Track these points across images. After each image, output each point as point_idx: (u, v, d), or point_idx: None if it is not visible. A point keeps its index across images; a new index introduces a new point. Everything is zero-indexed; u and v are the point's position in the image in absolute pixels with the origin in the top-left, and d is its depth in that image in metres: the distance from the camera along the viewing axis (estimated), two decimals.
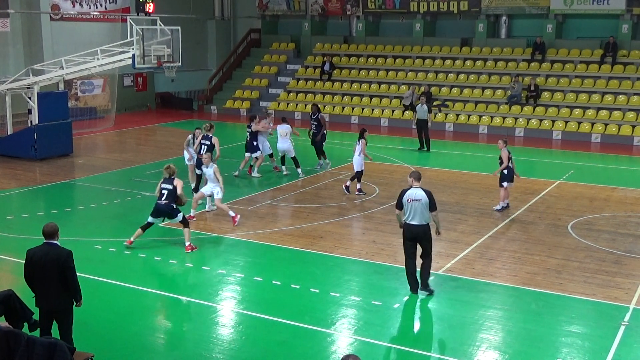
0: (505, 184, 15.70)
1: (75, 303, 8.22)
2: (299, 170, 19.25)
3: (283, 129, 19.31)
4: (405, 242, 10.87)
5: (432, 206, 10.65)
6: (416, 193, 10.63)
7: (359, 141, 17.15)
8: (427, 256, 10.93)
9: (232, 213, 14.63)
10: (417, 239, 10.78)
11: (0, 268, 12.35)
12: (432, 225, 10.89)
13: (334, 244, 13.53)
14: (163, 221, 13.65)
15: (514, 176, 15.94)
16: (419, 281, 10.98)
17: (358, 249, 13.27)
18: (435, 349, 9.30)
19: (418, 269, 11.03)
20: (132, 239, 13.09)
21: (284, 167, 19.57)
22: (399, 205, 10.81)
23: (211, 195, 14.98)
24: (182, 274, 12.22)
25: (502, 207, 15.80)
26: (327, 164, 20.40)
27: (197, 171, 16.67)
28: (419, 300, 10.89)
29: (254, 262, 12.67)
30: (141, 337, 9.63)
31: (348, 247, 13.32)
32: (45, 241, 8.08)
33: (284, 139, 19.27)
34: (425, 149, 23.57)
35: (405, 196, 10.67)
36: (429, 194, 10.67)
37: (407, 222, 10.72)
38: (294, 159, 19.35)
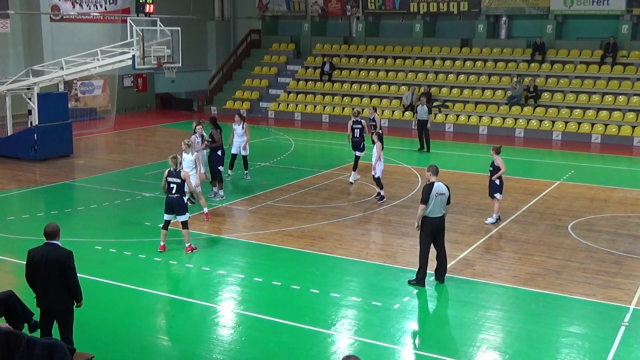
0: (498, 195, 14.80)
1: (75, 303, 8.23)
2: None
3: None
4: (426, 236, 11.18)
5: (449, 199, 11.28)
6: (440, 187, 11.07)
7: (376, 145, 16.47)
8: (444, 250, 11.36)
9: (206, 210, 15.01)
10: (438, 230, 11.19)
11: (0, 269, 12.35)
12: None
13: (334, 244, 13.53)
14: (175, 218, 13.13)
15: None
16: (436, 275, 11.46)
17: (358, 249, 13.27)
18: (435, 349, 9.29)
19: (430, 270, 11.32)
20: (162, 243, 12.99)
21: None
22: (426, 200, 10.96)
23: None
24: (182, 274, 12.22)
25: (496, 219, 14.91)
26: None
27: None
28: (418, 300, 10.90)
29: (254, 263, 12.67)
30: (141, 337, 9.62)
31: (348, 248, 13.32)
32: (46, 241, 8.08)
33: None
34: (425, 149, 23.58)
35: (433, 191, 10.96)
36: (449, 188, 11.25)
37: (430, 216, 11.04)
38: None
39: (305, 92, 32.68)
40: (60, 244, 8.10)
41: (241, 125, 18.58)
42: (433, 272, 11.49)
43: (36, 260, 8.00)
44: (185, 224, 12.85)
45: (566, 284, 11.49)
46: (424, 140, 23.62)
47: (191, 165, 14.47)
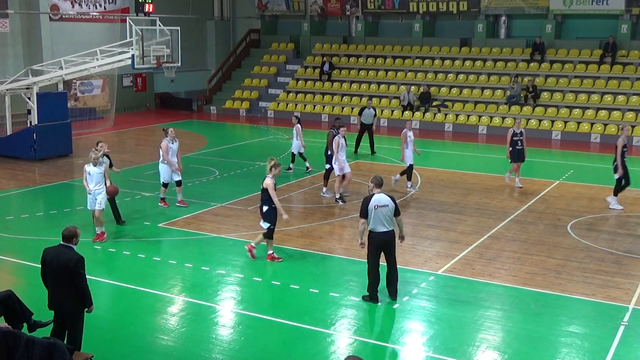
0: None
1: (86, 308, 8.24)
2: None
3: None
4: (372, 254, 10.53)
5: (397, 211, 10.48)
6: (381, 199, 10.32)
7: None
8: (394, 266, 10.71)
9: (103, 229, 13.64)
10: (384, 246, 10.46)
11: None
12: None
13: (333, 244, 13.52)
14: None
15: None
16: (387, 290, 10.81)
17: (357, 249, 13.22)
18: (434, 349, 9.29)
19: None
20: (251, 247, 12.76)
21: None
22: (365, 214, 10.26)
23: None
24: (181, 274, 12.20)
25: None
26: None
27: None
28: (418, 300, 10.89)
29: (253, 262, 12.64)
30: (141, 337, 9.62)
31: (348, 248, 13.31)
32: (61, 242, 8.11)
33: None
34: (370, 152, 22.88)
35: (371, 203, 10.25)
36: (393, 199, 10.46)
37: (374, 230, 10.35)
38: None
39: (304, 92, 32.68)
40: (74, 248, 8.11)
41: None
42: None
43: (47, 261, 8.08)
44: (266, 234, 12.48)
45: (566, 284, 11.49)
46: (370, 142, 22.71)
47: (101, 180, 13.53)
